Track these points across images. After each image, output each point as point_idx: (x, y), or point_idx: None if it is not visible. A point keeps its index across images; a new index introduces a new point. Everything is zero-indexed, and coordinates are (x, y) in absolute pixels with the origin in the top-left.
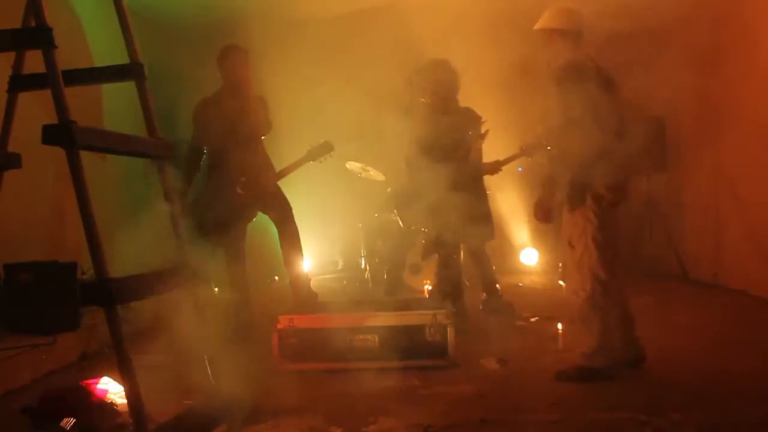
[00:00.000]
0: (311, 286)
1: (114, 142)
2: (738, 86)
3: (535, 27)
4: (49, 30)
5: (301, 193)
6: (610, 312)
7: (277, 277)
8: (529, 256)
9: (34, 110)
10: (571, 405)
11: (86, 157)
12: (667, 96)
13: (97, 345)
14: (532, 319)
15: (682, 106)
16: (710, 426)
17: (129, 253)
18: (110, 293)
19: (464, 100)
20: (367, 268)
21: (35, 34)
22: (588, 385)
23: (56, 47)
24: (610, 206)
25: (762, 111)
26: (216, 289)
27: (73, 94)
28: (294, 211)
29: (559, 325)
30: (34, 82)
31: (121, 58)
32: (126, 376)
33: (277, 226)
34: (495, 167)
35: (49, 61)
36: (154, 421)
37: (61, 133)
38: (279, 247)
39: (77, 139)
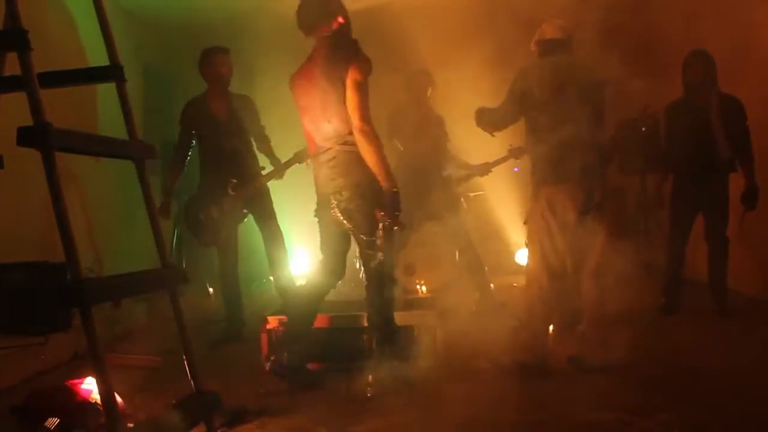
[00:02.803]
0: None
1: (91, 144)
2: (732, 86)
3: (535, 39)
4: (24, 32)
5: (298, 193)
6: (546, 314)
7: (272, 277)
8: (525, 256)
9: (27, 111)
10: (557, 405)
11: (83, 158)
12: (662, 95)
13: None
14: None
15: None
16: (695, 426)
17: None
18: (84, 294)
19: (455, 98)
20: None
21: (10, 36)
22: (576, 385)
23: (32, 49)
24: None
25: (756, 112)
26: (211, 290)
27: (67, 96)
28: (291, 211)
29: (550, 327)
30: (12, 84)
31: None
32: (100, 376)
33: (260, 228)
34: (485, 169)
35: (25, 63)
36: (138, 421)
37: (36, 135)
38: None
39: (52, 141)
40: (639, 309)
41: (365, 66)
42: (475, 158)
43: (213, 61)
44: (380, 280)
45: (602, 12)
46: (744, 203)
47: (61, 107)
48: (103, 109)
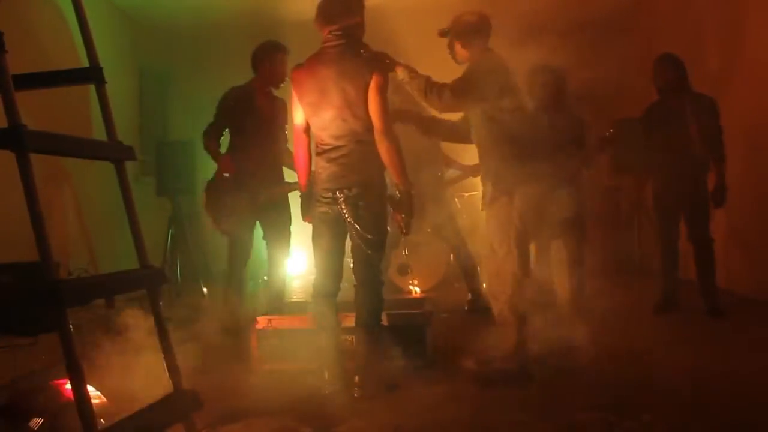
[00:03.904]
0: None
1: (66, 146)
2: (721, 88)
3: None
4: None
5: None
6: (526, 316)
7: (266, 277)
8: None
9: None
10: (541, 406)
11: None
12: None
13: (80, 345)
14: None
15: None
16: (679, 427)
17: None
18: (59, 295)
19: None
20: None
21: None
22: (561, 385)
23: (7, 51)
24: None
25: (744, 114)
26: (205, 289)
27: (60, 98)
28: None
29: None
30: None
31: (106, 58)
32: (74, 377)
33: (269, 235)
34: (477, 169)
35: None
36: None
37: (10, 137)
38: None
39: (27, 143)
40: (631, 308)
41: (387, 71)
42: (468, 159)
43: (276, 59)
44: (374, 281)
45: (596, 15)
46: (712, 201)
47: (54, 109)
48: (97, 111)
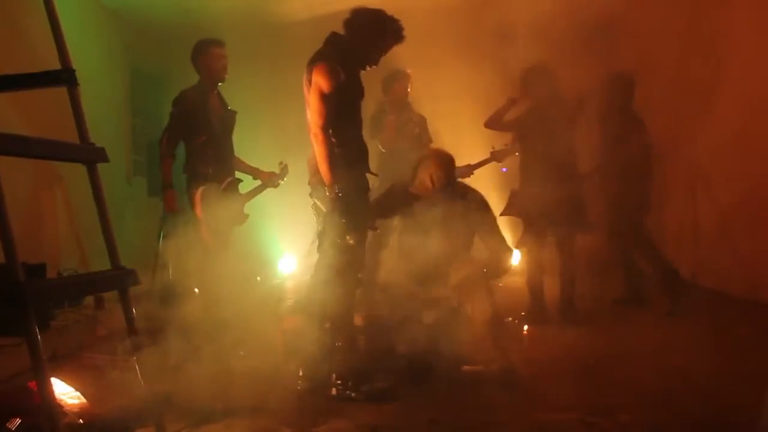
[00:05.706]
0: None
1: (35, 148)
2: (712, 88)
3: None
4: None
5: (284, 194)
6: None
7: (259, 278)
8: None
9: (11, 114)
10: (520, 406)
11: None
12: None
13: (67, 346)
14: (506, 320)
15: (658, 109)
16: (657, 427)
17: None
18: (22, 296)
19: (440, 104)
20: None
21: None
22: (541, 386)
23: None
24: None
25: (736, 114)
26: (196, 290)
27: (53, 101)
28: (276, 211)
29: (525, 327)
30: None
31: (97, 59)
32: (40, 378)
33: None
34: (467, 171)
35: None
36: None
37: None
38: (263, 247)
39: None
40: (616, 308)
41: (327, 73)
42: (458, 160)
43: (213, 54)
44: (336, 281)
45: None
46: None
47: (46, 112)
48: (88, 112)
